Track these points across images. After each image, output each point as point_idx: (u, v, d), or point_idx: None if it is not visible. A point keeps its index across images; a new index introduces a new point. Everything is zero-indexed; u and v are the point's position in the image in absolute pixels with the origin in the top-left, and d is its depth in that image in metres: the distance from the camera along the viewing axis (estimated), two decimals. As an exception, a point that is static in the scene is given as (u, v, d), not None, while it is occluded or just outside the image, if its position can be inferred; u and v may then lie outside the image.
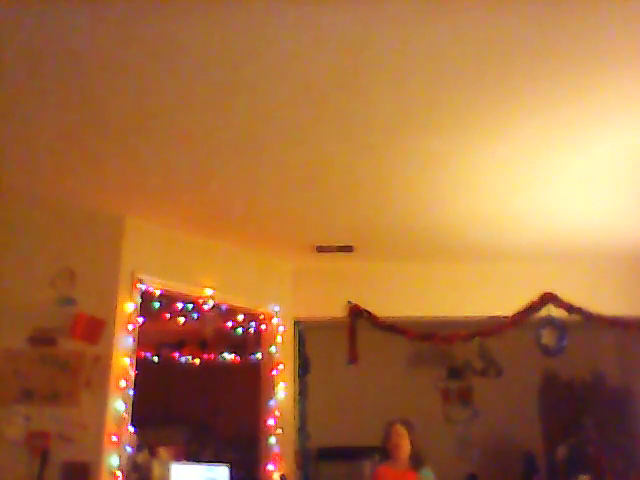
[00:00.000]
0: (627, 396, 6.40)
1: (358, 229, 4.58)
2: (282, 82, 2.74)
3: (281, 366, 4.91)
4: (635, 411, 6.28)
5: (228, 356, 6.87)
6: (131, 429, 3.93)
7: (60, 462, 3.58)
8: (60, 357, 3.78)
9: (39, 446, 3.57)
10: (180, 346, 6.93)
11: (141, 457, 5.00)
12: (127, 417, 3.87)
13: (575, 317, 5.01)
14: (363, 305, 5.12)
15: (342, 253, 4.92)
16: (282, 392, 4.85)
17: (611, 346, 6.68)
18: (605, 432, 6.01)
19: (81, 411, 3.71)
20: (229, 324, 5.84)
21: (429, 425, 5.78)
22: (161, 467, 5.03)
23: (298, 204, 4.12)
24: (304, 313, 5.19)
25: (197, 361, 6.89)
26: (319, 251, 4.88)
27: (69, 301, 3.87)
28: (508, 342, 5.91)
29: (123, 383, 3.88)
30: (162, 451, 5.25)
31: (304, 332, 5.32)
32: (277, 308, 5.02)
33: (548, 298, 5.05)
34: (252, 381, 5.12)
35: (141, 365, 4.25)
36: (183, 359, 6.90)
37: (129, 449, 3.94)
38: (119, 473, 3.71)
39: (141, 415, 4.11)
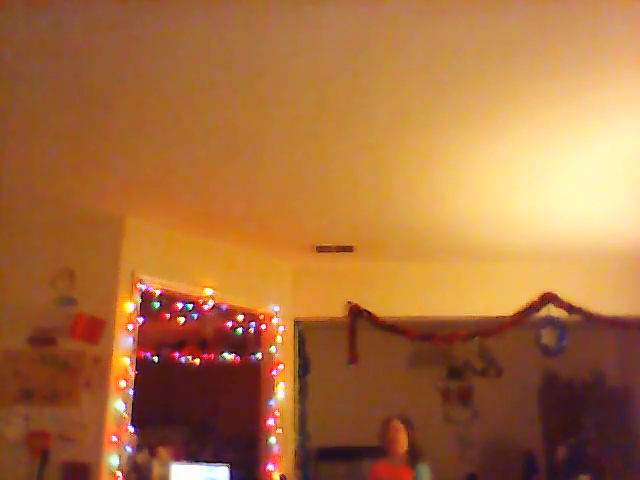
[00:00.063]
0: (627, 396, 6.41)
1: (358, 229, 4.58)
2: (282, 82, 2.74)
3: (281, 366, 4.91)
4: (635, 411, 6.28)
5: (228, 356, 6.87)
6: (131, 429, 3.92)
7: (60, 462, 3.58)
8: (60, 357, 3.78)
9: (39, 446, 3.57)
10: (180, 346, 6.93)
11: (141, 457, 5.01)
12: (127, 417, 3.87)
13: (575, 317, 5.01)
14: (363, 305, 5.12)
15: (342, 253, 4.92)
16: (282, 392, 4.85)
17: (611, 346, 6.69)
18: (605, 432, 6.02)
19: (81, 411, 3.70)
20: (229, 324, 5.84)
21: (429, 425, 5.79)
22: (161, 467, 5.04)
23: (298, 204, 4.12)
24: (304, 313, 5.19)
25: (197, 361, 6.90)
26: (319, 251, 4.88)
27: (69, 301, 3.87)
28: (508, 342, 5.92)
29: (123, 383, 3.87)
30: (162, 451, 5.25)
31: (304, 332, 5.32)
32: (277, 308, 5.02)
33: (548, 298, 5.05)
34: (252, 381, 5.12)
35: (141, 365, 4.24)
36: (183, 359, 6.91)
37: (129, 449, 3.94)
38: (119, 473, 3.71)
39: (141, 415, 4.10)
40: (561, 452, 5.97)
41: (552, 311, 5.04)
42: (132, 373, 3.98)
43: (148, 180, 3.74)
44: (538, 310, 5.07)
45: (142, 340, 4.26)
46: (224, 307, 4.89)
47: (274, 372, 4.87)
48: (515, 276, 5.23)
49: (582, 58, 2.57)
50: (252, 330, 5.79)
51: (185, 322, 5.64)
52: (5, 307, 3.80)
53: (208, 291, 4.59)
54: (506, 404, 6.65)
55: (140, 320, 4.18)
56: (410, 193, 3.94)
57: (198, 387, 6.75)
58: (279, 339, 4.97)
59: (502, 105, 2.92)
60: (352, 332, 5.10)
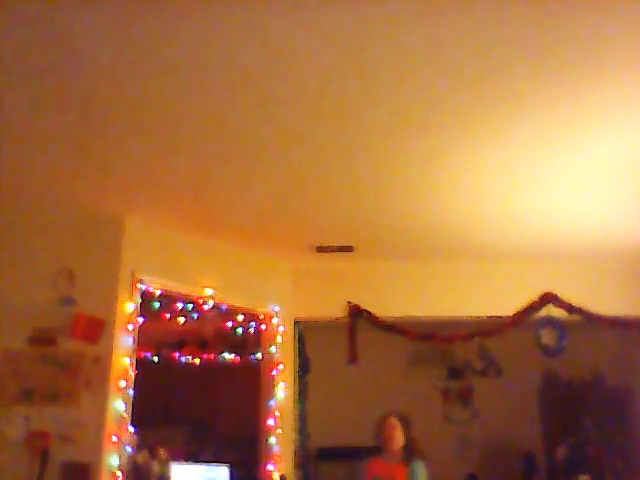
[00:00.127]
0: (627, 396, 6.40)
1: (358, 229, 4.58)
2: (282, 82, 2.74)
3: (281, 366, 4.90)
4: (635, 411, 6.28)
5: (228, 356, 6.87)
6: (131, 429, 3.92)
7: (60, 462, 3.58)
8: (60, 357, 3.78)
9: (39, 446, 3.57)
10: (180, 346, 6.92)
11: (141, 457, 5.00)
12: (127, 417, 3.87)
13: (575, 317, 5.01)
14: (363, 305, 5.12)
15: (342, 253, 4.92)
16: (282, 392, 4.84)
17: (611, 346, 6.68)
18: (605, 432, 6.02)
19: (81, 411, 3.70)
20: (229, 324, 5.85)
21: (429, 425, 5.79)
22: (161, 467, 5.04)
23: (298, 204, 4.12)
24: (304, 313, 5.19)
25: (197, 361, 6.89)
26: (319, 251, 4.88)
27: (69, 301, 3.87)
28: (508, 342, 5.92)
29: (123, 383, 3.87)
30: (162, 451, 5.25)
31: (304, 332, 5.32)
32: (277, 308, 5.02)
33: (548, 298, 5.04)
34: (252, 381, 5.11)
35: (141, 365, 4.24)
36: (183, 359, 6.90)
37: (129, 449, 3.94)
38: (119, 473, 3.70)
39: (141, 415, 4.10)
40: (561, 452, 5.97)
41: (552, 311, 5.04)
42: (132, 373, 3.97)
43: (148, 180, 3.74)
44: (538, 310, 5.07)
45: (142, 340, 4.25)
46: (224, 307, 4.88)
47: (274, 372, 4.87)
48: (515, 276, 5.23)
49: (582, 58, 2.57)
50: (252, 330, 5.78)
51: (185, 322, 5.64)
52: (5, 307, 3.80)
53: (208, 291, 4.59)
54: (506, 404, 6.65)
55: (140, 320, 4.17)
56: (410, 193, 3.94)
57: (198, 387, 6.74)
58: (279, 339, 4.96)
59: (502, 105, 2.93)
60: (352, 332, 5.10)
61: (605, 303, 5.04)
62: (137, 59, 2.59)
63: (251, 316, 5.27)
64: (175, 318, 5.48)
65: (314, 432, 5.38)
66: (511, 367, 6.81)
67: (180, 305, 5.08)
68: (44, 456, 3.54)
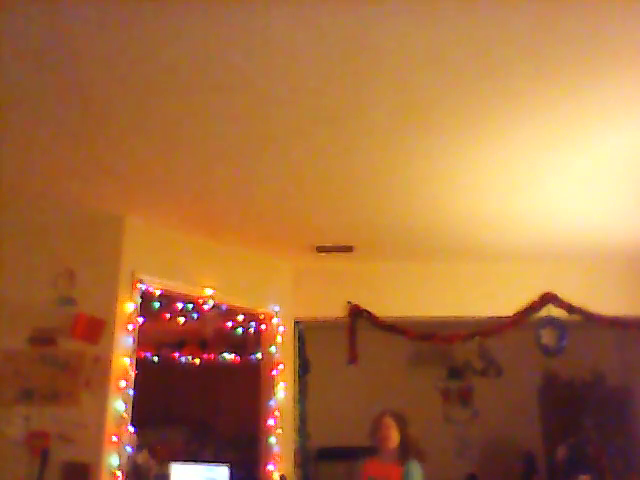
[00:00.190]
0: (627, 396, 6.41)
1: (358, 229, 4.58)
2: (282, 82, 2.74)
3: (281, 366, 4.91)
4: (635, 411, 6.28)
5: (228, 356, 6.87)
6: (131, 429, 3.92)
7: (60, 462, 3.58)
8: (60, 357, 3.78)
9: (39, 446, 3.57)
10: (180, 346, 6.93)
11: (141, 457, 5.01)
12: (127, 417, 3.87)
13: (575, 317, 5.01)
14: (363, 305, 5.12)
15: (342, 253, 4.92)
16: (282, 392, 4.85)
17: (611, 346, 6.68)
18: (605, 432, 6.01)
19: (81, 411, 3.70)
20: (229, 324, 5.85)
21: (429, 425, 5.79)
22: (161, 467, 5.04)
23: (298, 204, 4.12)
24: (304, 313, 5.19)
25: (197, 361, 6.89)
26: (319, 251, 4.88)
27: (69, 301, 3.87)
28: (508, 342, 5.92)
29: (123, 383, 3.87)
30: (162, 451, 5.25)
31: (304, 332, 5.32)
32: (277, 308, 5.02)
33: (548, 298, 5.05)
34: (252, 381, 5.12)
35: (141, 365, 4.24)
36: (183, 359, 6.91)
37: (129, 449, 3.94)
38: (119, 473, 3.70)
39: (141, 415, 4.10)
40: (561, 452, 5.97)
41: (552, 311, 5.05)
42: (132, 373, 3.97)
43: (148, 180, 3.74)
44: (538, 310, 5.07)
45: (142, 340, 4.25)
46: (224, 307, 4.89)
47: (274, 372, 4.87)
48: (515, 276, 5.23)
49: (582, 58, 2.57)
50: (252, 330, 5.79)
51: (185, 322, 5.64)
52: (5, 307, 3.79)
53: (208, 291, 4.59)
54: (506, 404, 6.65)
55: (140, 320, 4.17)
56: (410, 193, 3.93)
57: (198, 387, 6.75)
58: (279, 339, 4.97)
59: (502, 105, 2.92)
60: (352, 332, 5.11)
61: (605, 303, 5.04)
62: (137, 59, 2.59)
63: (251, 316, 5.28)
64: (175, 318, 5.49)
65: (314, 432, 5.38)
66: (511, 367, 6.81)
67: (180, 305, 5.08)
68: (44, 456, 3.54)
